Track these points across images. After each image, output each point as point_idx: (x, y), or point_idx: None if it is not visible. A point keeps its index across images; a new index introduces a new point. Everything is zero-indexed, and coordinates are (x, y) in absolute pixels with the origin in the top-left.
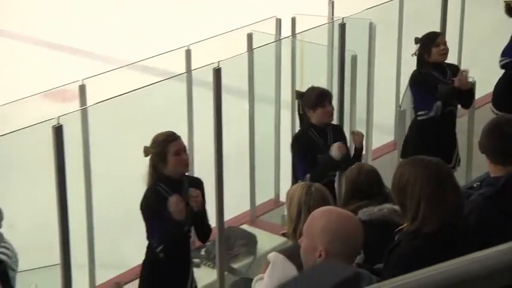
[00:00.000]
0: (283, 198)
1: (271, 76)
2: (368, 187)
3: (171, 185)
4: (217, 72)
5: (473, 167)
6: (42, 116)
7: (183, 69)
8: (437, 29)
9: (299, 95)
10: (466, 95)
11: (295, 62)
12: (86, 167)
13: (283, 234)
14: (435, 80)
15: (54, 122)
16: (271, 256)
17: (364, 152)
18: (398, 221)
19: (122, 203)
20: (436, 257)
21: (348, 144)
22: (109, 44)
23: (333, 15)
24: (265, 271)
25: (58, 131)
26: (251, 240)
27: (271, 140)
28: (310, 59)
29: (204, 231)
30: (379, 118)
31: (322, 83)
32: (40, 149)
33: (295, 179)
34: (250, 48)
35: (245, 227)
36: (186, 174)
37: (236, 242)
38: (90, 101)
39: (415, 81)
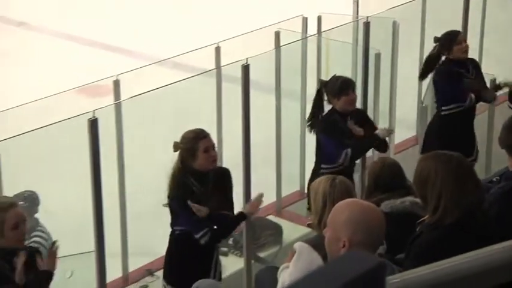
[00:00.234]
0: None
1: (297, 72)
2: (390, 180)
3: (198, 178)
4: (245, 69)
5: (492, 161)
6: (78, 110)
7: (213, 66)
8: (459, 28)
9: (322, 84)
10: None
11: (320, 59)
12: (119, 158)
13: (309, 225)
14: (461, 74)
15: (90, 116)
16: (297, 246)
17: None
18: (420, 213)
19: (153, 193)
20: (456, 248)
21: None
22: (140, 40)
23: (357, 14)
24: (291, 260)
25: (93, 124)
26: (277, 230)
27: (296, 134)
28: (335, 56)
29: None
30: (401, 113)
31: None
32: (76, 141)
33: (318, 164)
34: (277, 46)
35: (271, 217)
36: None
37: (262, 232)
38: (123, 95)
39: (442, 76)
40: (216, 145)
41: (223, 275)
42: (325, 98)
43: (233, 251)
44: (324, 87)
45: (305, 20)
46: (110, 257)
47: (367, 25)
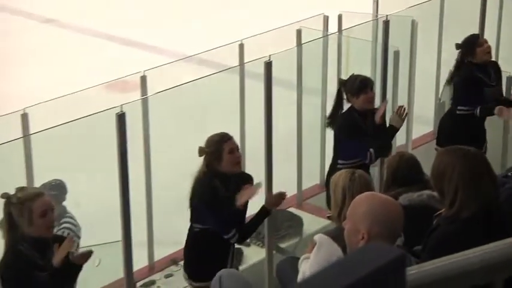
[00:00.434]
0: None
1: (318, 69)
2: (408, 174)
3: (223, 181)
4: (268, 66)
5: (508, 157)
6: (106, 105)
7: (236, 63)
8: (476, 27)
9: (342, 83)
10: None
11: (341, 57)
12: (146, 151)
13: (329, 217)
14: (482, 82)
15: (118, 110)
16: (318, 237)
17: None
18: (437, 206)
19: (178, 186)
20: (472, 241)
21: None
22: (166, 37)
23: (377, 12)
24: (311, 251)
25: (121, 118)
26: (298, 222)
27: (317, 129)
28: (355, 53)
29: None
30: (419, 110)
31: None
32: (104, 135)
33: (335, 159)
34: (299, 43)
35: (292, 209)
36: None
37: (284, 223)
38: (150, 91)
39: (466, 81)
40: (239, 146)
41: (245, 265)
42: (344, 96)
43: (255, 242)
44: (343, 86)
45: (326, 19)
46: (137, 247)
47: (386, 23)
